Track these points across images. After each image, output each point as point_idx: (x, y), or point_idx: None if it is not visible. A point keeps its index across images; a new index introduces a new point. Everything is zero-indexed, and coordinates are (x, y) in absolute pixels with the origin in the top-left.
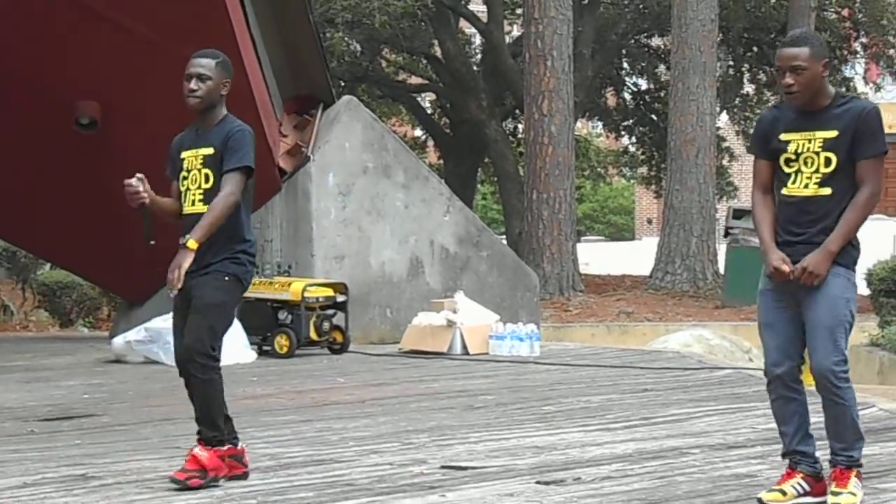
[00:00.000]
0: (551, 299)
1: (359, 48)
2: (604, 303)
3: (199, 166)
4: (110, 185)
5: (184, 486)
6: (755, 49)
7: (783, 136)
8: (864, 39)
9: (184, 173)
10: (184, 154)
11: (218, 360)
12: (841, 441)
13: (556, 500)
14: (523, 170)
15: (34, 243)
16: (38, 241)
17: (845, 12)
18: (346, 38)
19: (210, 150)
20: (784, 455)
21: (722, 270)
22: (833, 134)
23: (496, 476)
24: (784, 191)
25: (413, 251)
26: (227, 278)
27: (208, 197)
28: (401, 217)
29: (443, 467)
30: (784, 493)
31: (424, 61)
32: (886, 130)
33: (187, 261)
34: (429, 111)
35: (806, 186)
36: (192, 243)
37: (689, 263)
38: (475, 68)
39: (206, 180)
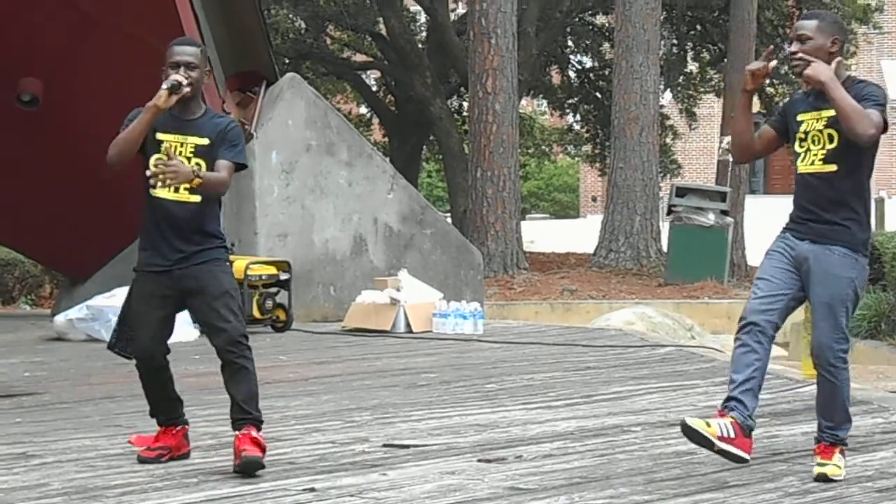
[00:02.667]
0: (495, 277)
1: (303, 25)
2: (548, 281)
3: (188, 154)
4: (52, 161)
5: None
6: (698, 27)
7: (799, 117)
8: None
9: (160, 156)
10: (162, 136)
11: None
12: (829, 419)
13: (497, 477)
14: (468, 147)
15: None
16: None
17: None
18: (290, 15)
19: (204, 141)
20: (724, 400)
21: (665, 248)
22: (831, 112)
23: (438, 454)
24: (798, 170)
25: (356, 229)
26: (227, 264)
27: (196, 189)
28: (344, 195)
29: (385, 445)
30: (708, 425)
31: (369, 39)
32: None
33: (184, 180)
34: (374, 89)
35: (812, 163)
36: (198, 181)
37: (633, 241)
38: (420, 46)
39: (198, 170)
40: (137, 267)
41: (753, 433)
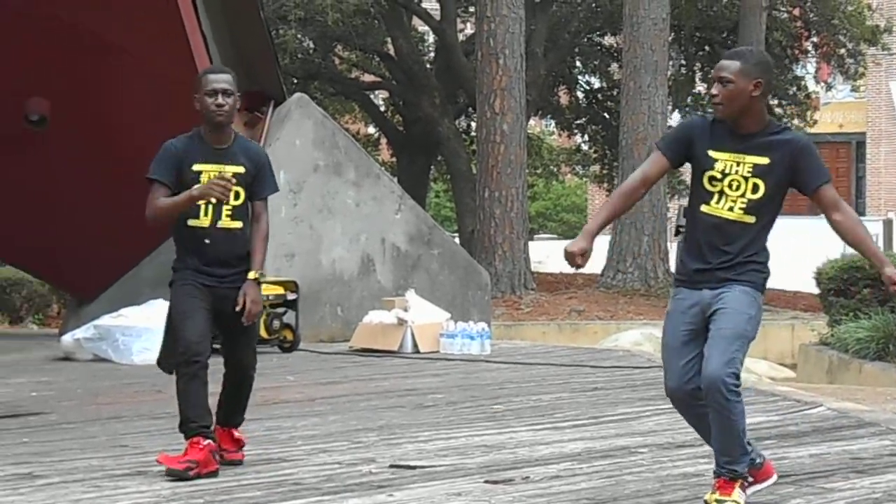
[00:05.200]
0: (503, 297)
1: (311, 45)
2: (555, 301)
3: None
4: (60, 182)
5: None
6: (707, 48)
7: (711, 153)
8: (815, 39)
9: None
10: (199, 167)
11: None
12: (725, 454)
13: (504, 499)
14: (476, 168)
15: None
16: None
17: (796, 11)
18: (298, 36)
19: (241, 169)
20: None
21: (673, 269)
22: (765, 161)
23: (445, 475)
24: (704, 208)
25: (364, 249)
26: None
27: (237, 213)
28: (352, 215)
29: (391, 466)
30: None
31: (377, 59)
32: (836, 129)
33: (260, 293)
34: (382, 109)
35: (731, 210)
36: (261, 276)
37: (641, 262)
38: (428, 66)
39: (237, 197)
40: (175, 279)
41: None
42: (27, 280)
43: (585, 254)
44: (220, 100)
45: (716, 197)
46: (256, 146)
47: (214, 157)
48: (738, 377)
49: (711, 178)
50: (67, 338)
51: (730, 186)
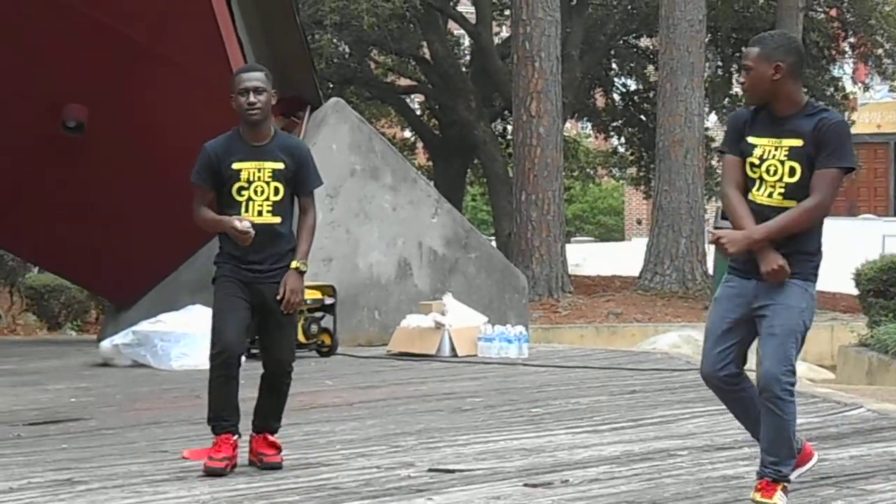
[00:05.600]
0: (540, 301)
1: (347, 50)
2: (593, 304)
3: (267, 179)
4: (98, 188)
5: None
6: (743, 49)
7: (751, 139)
8: (852, 39)
9: (241, 184)
10: (239, 165)
11: None
12: (773, 454)
13: (543, 502)
14: (512, 171)
15: (22, 247)
16: (26, 245)
17: (833, 12)
18: (334, 40)
19: (280, 165)
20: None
21: (711, 271)
22: (798, 143)
23: (484, 479)
24: (749, 196)
25: (401, 253)
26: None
27: (277, 209)
28: (389, 219)
29: (430, 470)
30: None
31: (413, 63)
32: (874, 130)
33: (302, 283)
34: (418, 113)
35: (770, 196)
36: (304, 265)
37: (678, 264)
38: (464, 70)
39: (276, 193)
40: (218, 275)
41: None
42: (65, 286)
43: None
44: (252, 98)
45: (756, 184)
46: (297, 141)
47: (253, 155)
48: (793, 374)
49: (752, 165)
50: (106, 344)
51: (767, 171)
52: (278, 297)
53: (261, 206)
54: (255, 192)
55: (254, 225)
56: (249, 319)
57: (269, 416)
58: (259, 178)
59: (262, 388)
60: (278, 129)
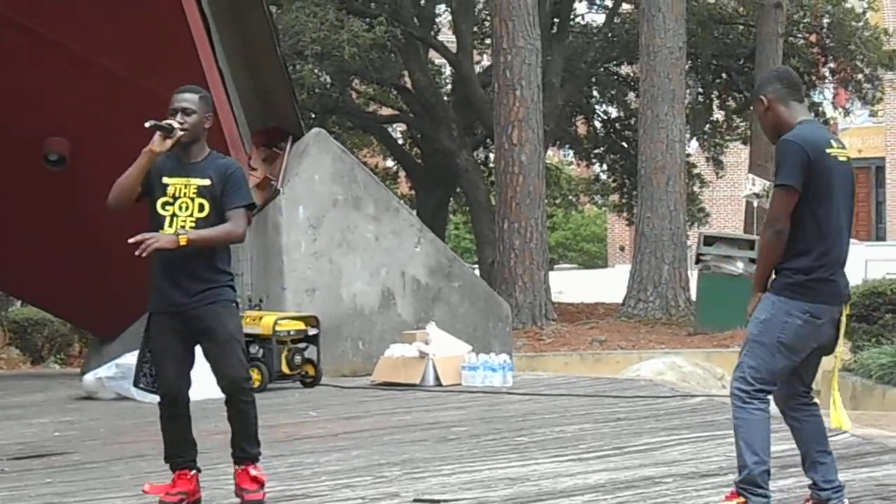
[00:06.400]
0: (524, 329)
1: (329, 80)
2: (577, 331)
3: (192, 195)
4: (80, 221)
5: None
6: (724, 76)
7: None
8: (832, 65)
9: (166, 199)
10: (168, 180)
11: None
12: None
13: None
14: (495, 199)
15: (4, 280)
16: (8, 278)
17: (813, 38)
18: (315, 70)
19: (206, 182)
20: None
21: (694, 297)
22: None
23: None
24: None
25: (384, 283)
26: (234, 305)
27: (201, 226)
28: (371, 249)
29: (415, 500)
30: None
31: (395, 92)
32: (856, 154)
33: (166, 244)
34: (400, 142)
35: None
36: (184, 239)
37: (662, 291)
38: (445, 98)
39: (201, 209)
40: (150, 308)
41: (784, 483)
42: (48, 320)
43: None
44: (180, 118)
45: None
46: (229, 161)
47: (182, 171)
48: (744, 381)
49: None
50: (90, 377)
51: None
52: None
53: (184, 221)
54: (180, 207)
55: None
56: (189, 351)
57: (241, 442)
58: (185, 193)
59: (228, 415)
60: (214, 152)
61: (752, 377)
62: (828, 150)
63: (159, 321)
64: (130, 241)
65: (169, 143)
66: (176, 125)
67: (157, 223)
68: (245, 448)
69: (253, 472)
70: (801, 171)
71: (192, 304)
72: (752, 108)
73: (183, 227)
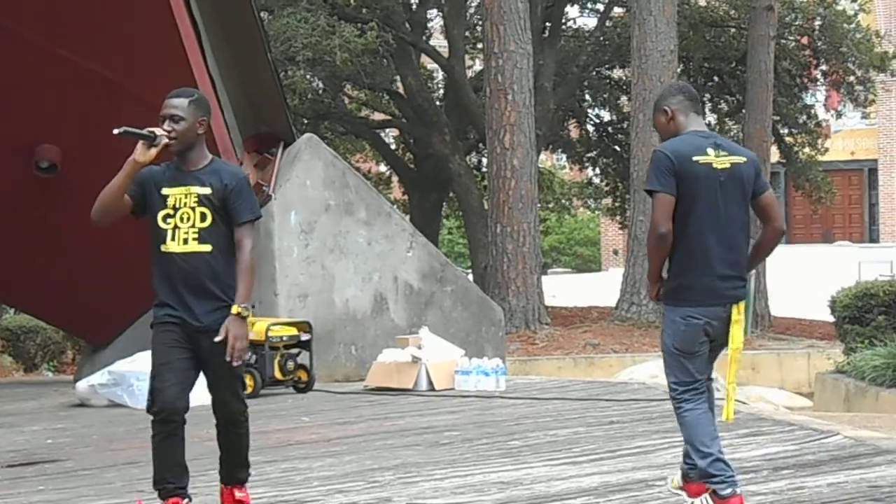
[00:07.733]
0: (517, 333)
1: (321, 85)
2: (570, 335)
3: (192, 204)
4: (72, 228)
5: None
6: (716, 79)
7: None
8: (824, 67)
9: (167, 211)
10: (167, 191)
11: None
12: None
13: None
14: (487, 203)
15: None
16: (1, 286)
17: (805, 40)
18: (307, 76)
19: (206, 190)
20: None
21: None
22: None
23: None
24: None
25: (377, 288)
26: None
27: (204, 236)
28: (364, 254)
29: None
30: None
31: (387, 97)
32: (848, 157)
33: (246, 330)
34: (392, 147)
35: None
36: (245, 310)
37: None
38: (437, 103)
39: (203, 219)
40: (155, 321)
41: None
42: (41, 327)
43: None
44: (167, 126)
45: None
46: (233, 168)
47: (182, 180)
48: (670, 391)
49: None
50: (82, 384)
51: None
52: (217, 340)
53: (186, 233)
54: (182, 219)
55: (182, 253)
56: (193, 370)
57: (232, 467)
58: (185, 203)
59: (218, 438)
60: (216, 158)
61: (672, 385)
62: (695, 158)
63: (164, 331)
64: (216, 339)
65: (154, 152)
66: (159, 132)
67: (158, 238)
68: (233, 471)
69: (238, 494)
70: (666, 177)
71: (202, 327)
72: (654, 118)
73: (185, 239)
